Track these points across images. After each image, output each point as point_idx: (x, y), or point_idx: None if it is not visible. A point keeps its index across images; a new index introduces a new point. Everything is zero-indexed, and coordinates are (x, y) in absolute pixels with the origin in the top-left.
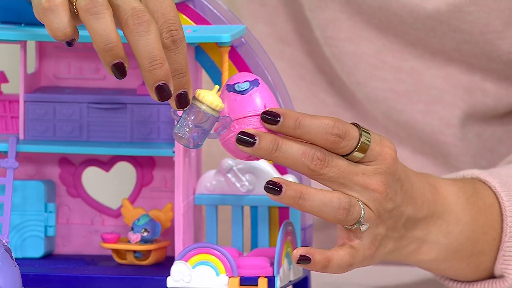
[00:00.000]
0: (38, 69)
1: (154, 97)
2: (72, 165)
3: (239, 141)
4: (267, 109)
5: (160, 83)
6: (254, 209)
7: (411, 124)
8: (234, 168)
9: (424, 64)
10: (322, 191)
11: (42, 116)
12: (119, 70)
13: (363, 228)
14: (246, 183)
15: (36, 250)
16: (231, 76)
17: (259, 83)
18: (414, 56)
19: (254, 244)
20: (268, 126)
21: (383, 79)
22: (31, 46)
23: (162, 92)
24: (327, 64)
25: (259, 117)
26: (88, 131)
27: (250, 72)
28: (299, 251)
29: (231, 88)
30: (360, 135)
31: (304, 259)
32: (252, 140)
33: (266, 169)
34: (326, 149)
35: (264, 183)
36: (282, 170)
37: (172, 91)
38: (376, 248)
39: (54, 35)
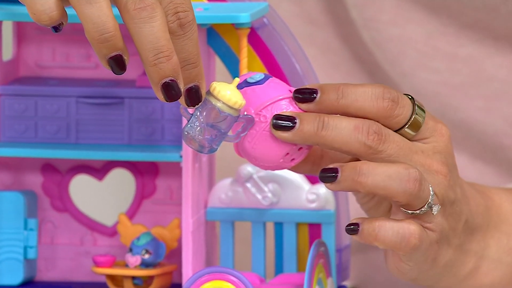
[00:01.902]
0: (16, 56)
1: (160, 96)
2: (58, 173)
3: (276, 126)
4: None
5: (167, 79)
6: (278, 226)
7: (469, 124)
8: (255, 176)
9: (485, 51)
10: (384, 164)
11: (21, 113)
12: (118, 63)
13: (435, 209)
14: (269, 195)
15: (13, 276)
16: (234, 79)
17: (271, 76)
18: (472, 42)
19: (279, 269)
20: (304, 106)
21: (435, 69)
22: (8, 27)
23: (170, 90)
24: (366, 51)
25: (290, 100)
26: (77, 131)
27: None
28: (353, 220)
29: (243, 84)
30: (413, 103)
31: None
32: (291, 123)
33: (293, 177)
34: (378, 121)
35: (290, 195)
36: (312, 179)
37: (182, 87)
38: (440, 246)
39: (38, 19)
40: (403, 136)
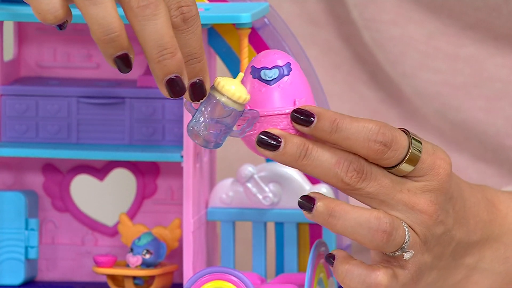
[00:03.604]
0: (17, 56)
1: (165, 92)
2: (59, 173)
3: (260, 142)
4: (298, 106)
5: (172, 76)
6: (279, 226)
7: (470, 125)
8: (256, 176)
9: (486, 51)
10: (359, 208)
11: (22, 113)
12: (124, 62)
13: (406, 256)
14: (270, 195)
15: (14, 276)
16: (258, 54)
17: (291, 69)
18: (473, 42)
19: (280, 269)
20: (298, 127)
21: (436, 69)
22: (9, 27)
23: (175, 86)
24: (367, 52)
25: (286, 116)
26: (78, 131)
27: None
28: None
29: (256, 73)
30: (409, 144)
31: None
32: (275, 143)
33: (294, 177)
34: (367, 159)
35: (291, 195)
36: (312, 178)
37: (186, 83)
38: (418, 279)
39: (43, 18)
40: (396, 173)
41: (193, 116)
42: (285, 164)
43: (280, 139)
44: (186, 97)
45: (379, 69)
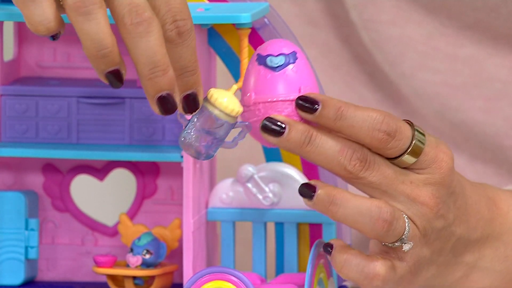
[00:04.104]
0: (17, 56)
1: (155, 109)
2: (59, 173)
3: (265, 128)
4: (303, 93)
5: (163, 93)
6: (279, 226)
7: (469, 125)
8: (256, 176)
9: (485, 51)
10: (360, 197)
11: (22, 113)
12: (116, 77)
13: (406, 247)
14: (270, 195)
15: (14, 276)
16: (264, 43)
17: (297, 58)
18: (472, 42)
19: (280, 269)
20: (303, 114)
21: (435, 70)
22: (9, 28)
23: (166, 103)
24: (366, 52)
25: (291, 102)
26: (78, 131)
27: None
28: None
29: (262, 60)
30: (413, 135)
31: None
32: (279, 129)
33: (295, 177)
34: (370, 149)
35: (291, 195)
36: (313, 178)
37: (178, 100)
38: (417, 273)
39: (35, 29)
40: (398, 165)
41: (185, 127)
42: (289, 151)
43: (284, 125)
44: (179, 109)
45: (378, 69)
